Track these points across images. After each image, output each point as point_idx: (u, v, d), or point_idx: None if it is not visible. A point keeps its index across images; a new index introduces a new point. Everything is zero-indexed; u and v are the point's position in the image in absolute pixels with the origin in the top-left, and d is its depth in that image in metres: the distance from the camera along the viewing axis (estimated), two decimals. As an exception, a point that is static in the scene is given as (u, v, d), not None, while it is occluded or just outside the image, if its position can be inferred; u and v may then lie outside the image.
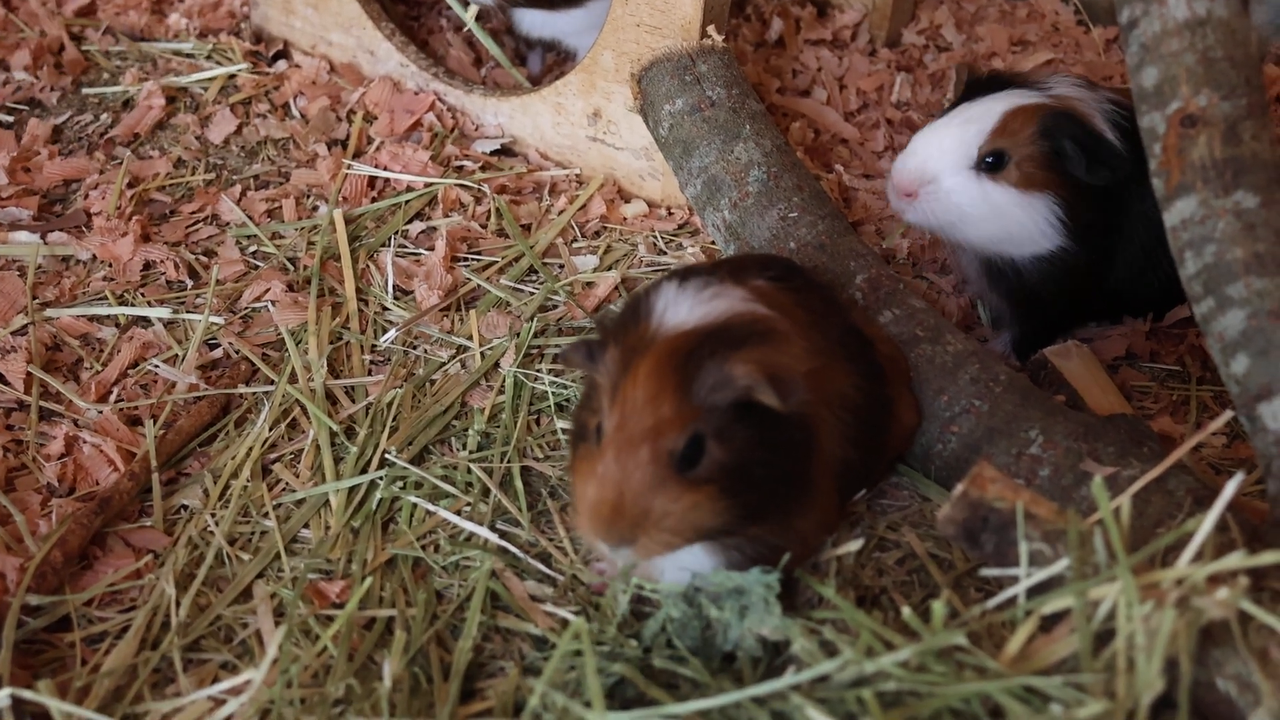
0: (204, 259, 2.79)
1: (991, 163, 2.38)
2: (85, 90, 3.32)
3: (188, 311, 2.63)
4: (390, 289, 2.70)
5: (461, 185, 2.98)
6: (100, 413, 2.36)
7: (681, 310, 1.84)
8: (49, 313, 2.59)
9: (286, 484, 2.26)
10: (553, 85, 3.03)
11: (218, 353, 2.53)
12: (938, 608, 1.65)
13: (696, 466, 1.71)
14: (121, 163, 3.04)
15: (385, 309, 2.66)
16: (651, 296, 1.90)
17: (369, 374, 2.50)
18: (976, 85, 2.55)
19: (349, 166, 3.01)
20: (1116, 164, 2.36)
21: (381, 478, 2.24)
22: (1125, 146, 2.36)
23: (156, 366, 2.48)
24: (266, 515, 2.19)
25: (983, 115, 2.41)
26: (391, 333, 2.57)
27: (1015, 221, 2.41)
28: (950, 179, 2.41)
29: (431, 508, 2.19)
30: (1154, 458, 2.00)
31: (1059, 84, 2.48)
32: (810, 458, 1.87)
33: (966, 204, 2.41)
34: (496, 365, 2.49)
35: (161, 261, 2.74)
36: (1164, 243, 2.22)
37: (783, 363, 1.75)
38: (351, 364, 2.51)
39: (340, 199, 2.94)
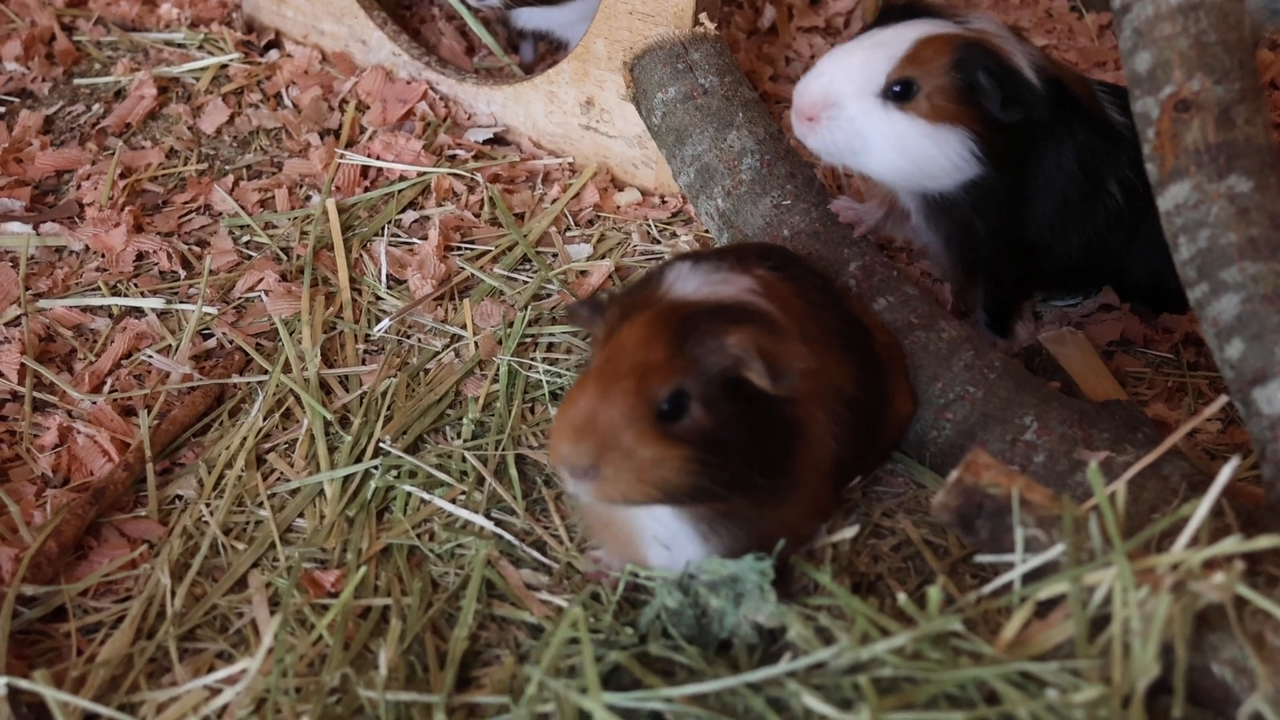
0: (197, 249, 2.79)
1: (899, 91, 2.26)
2: (77, 81, 3.31)
3: (181, 302, 2.62)
4: (384, 278, 2.70)
5: (454, 174, 2.98)
6: (94, 403, 2.36)
7: (690, 285, 1.87)
8: (42, 304, 2.59)
9: (281, 473, 2.26)
10: (545, 74, 3.02)
11: (211, 343, 2.53)
12: (933, 594, 1.65)
13: (676, 423, 1.70)
14: (114, 153, 3.03)
15: (379, 298, 2.66)
16: (665, 270, 1.94)
17: (363, 363, 2.49)
18: (892, 11, 2.43)
19: (342, 156, 3.01)
20: (1032, 101, 2.26)
21: (376, 467, 2.24)
22: (1045, 91, 2.28)
23: (150, 357, 2.48)
24: (261, 505, 2.19)
25: (894, 40, 2.29)
26: (385, 322, 2.57)
27: (924, 154, 2.30)
28: (854, 104, 2.28)
29: (426, 496, 2.19)
30: (1149, 443, 2.00)
31: (979, 19, 2.38)
32: (793, 454, 1.86)
33: (870, 132, 2.29)
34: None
35: (154, 252, 2.74)
36: (1081, 205, 2.26)
37: (779, 350, 1.75)
38: (345, 353, 2.51)
39: (333, 189, 2.93)
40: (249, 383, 2.45)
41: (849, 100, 2.28)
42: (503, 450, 2.28)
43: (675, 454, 1.68)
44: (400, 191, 2.94)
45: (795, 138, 2.40)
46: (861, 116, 2.28)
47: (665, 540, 1.85)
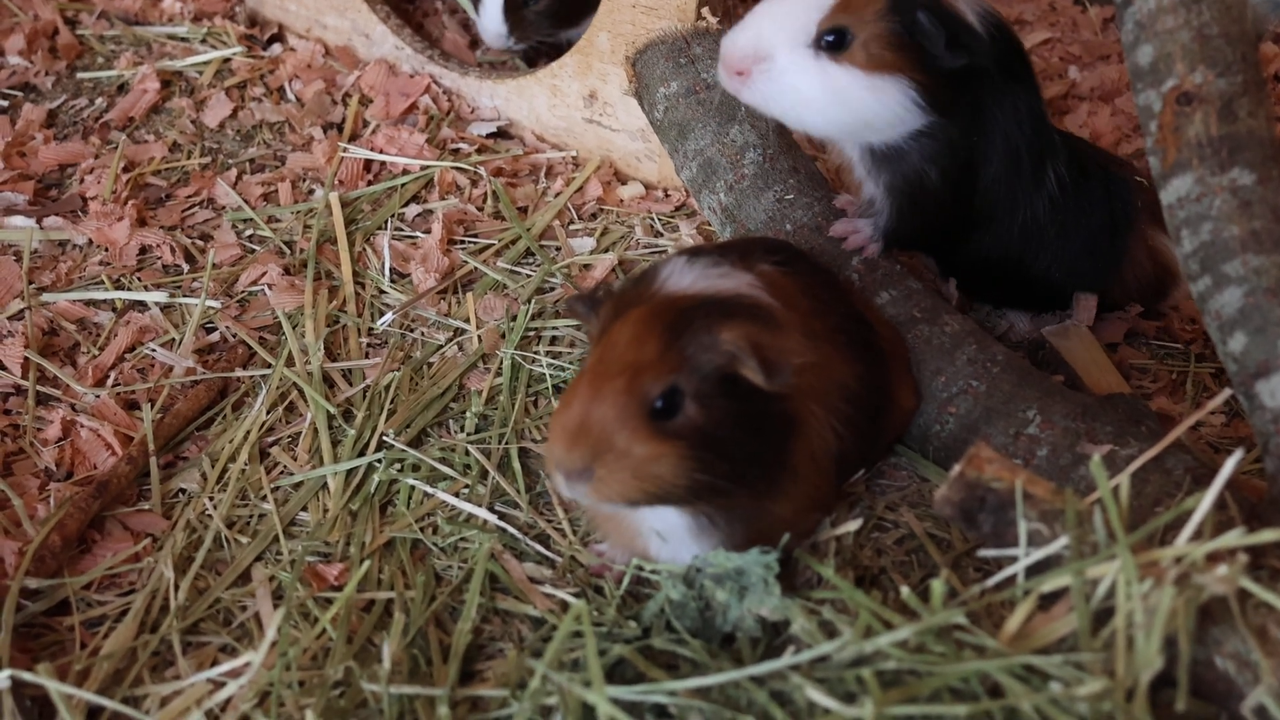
0: (200, 243, 2.79)
1: (832, 41, 2.15)
2: (80, 75, 3.31)
3: (184, 295, 2.62)
4: (387, 272, 2.70)
5: (458, 168, 2.98)
6: (98, 397, 2.36)
7: (685, 280, 1.86)
8: (45, 297, 2.59)
9: (284, 467, 2.26)
10: (549, 67, 3.02)
11: (215, 336, 2.53)
12: (937, 587, 1.65)
13: (670, 420, 1.70)
14: (117, 147, 3.03)
15: (382, 292, 2.66)
16: (660, 267, 1.93)
17: (366, 357, 2.50)
18: None
19: (345, 150, 3.01)
20: (975, 46, 2.16)
21: (379, 460, 2.24)
22: (989, 37, 2.19)
23: (153, 350, 2.48)
24: (264, 498, 2.19)
25: None
26: (388, 316, 2.57)
27: (863, 106, 2.19)
28: (785, 57, 2.17)
29: (430, 490, 2.19)
30: (1152, 437, 2.00)
31: None
32: (790, 449, 1.86)
33: (804, 86, 2.18)
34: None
35: (158, 245, 2.74)
36: (1031, 170, 2.24)
37: (775, 345, 1.75)
38: (349, 347, 2.51)
39: (336, 182, 2.93)
40: (252, 376, 2.45)
41: (779, 52, 2.18)
42: (506, 444, 2.28)
43: (670, 451, 1.69)
44: (403, 185, 2.94)
45: (727, 90, 2.29)
46: (793, 69, 2.18)
47: (663, 533, 1.86)
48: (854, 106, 2.19)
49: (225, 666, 1.85)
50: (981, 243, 2.43)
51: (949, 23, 2.15)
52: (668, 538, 1.86)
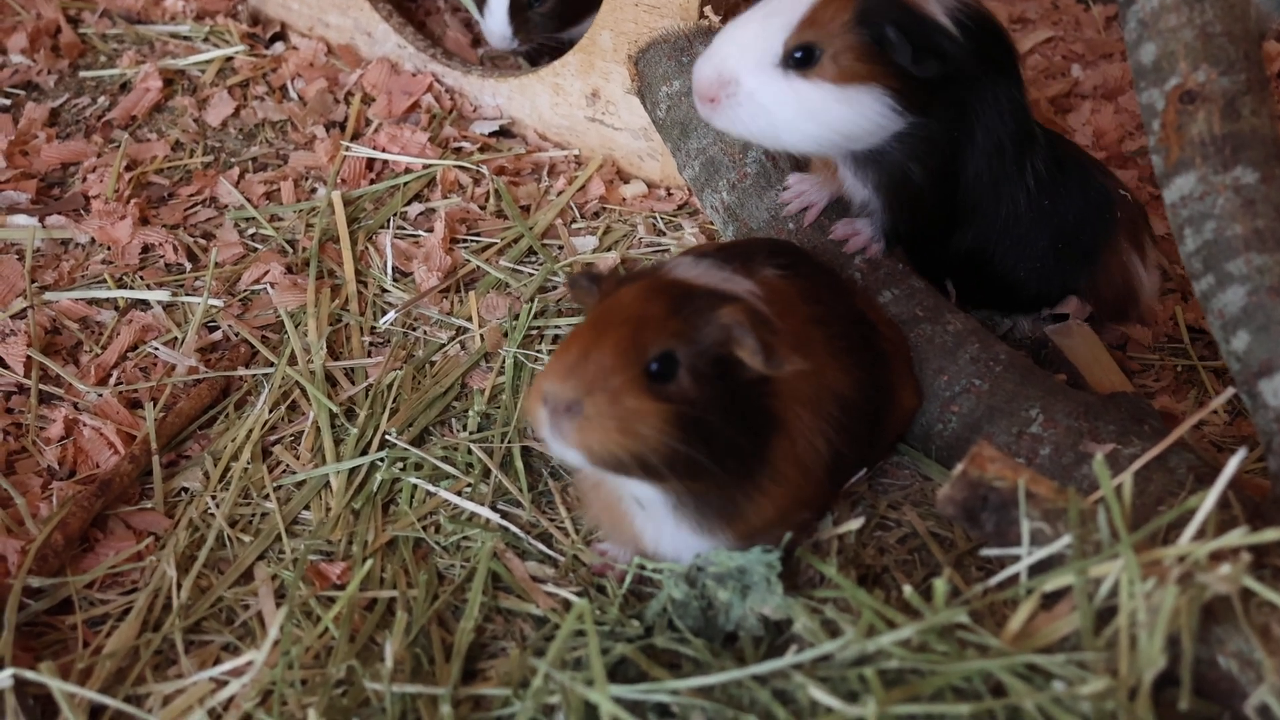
0: (203, 242, 2.79)
1: (800, 58, 2.12)
2: (82, 73, 3.31)
3: (187, 294, 2.63)
4: (389, 271, 2.70)
5: (460, 166, 2.98)
6: (100, 396, 2.36)
7: (691, 273, 1.87)
8: (48, 296, 2.59)
9: (287, 466, 2.26)
10: (551, 66, 3.02)
11: (217, 335, 2.53)
12: (939, 586, 1.65)
13: (662, 384, 1.70)
14: (119, 146, 3.03)
15: (384, 291, 2.66)
16: (667, 263, 1.95)
17: (368, 356, 2.49)
18: None
19: (347, 148, 3.01)
20: (949, 52, 2.13)
21: (382, 459, 2.24)
22: (966, 41, 2.16)
23: (156, 349, 2.48)
24: (267, 497, 2.19)
25: (790, 6, 2.16)
26: (391, 314, 2.57)
27: (839, 119, 2.16)
28: (751, 79, 2.15)
29: (432, 489, 2.19)
30: (1155, 436, 2.00)
31: None
32: (768, 446, 1.85)
33: (774, 106, 2.15)
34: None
35: (160, 244, 2.74)
36: (1015, 160, 2.23)
37: (771, 341, 1.75)
38: (351, 346, 2.51)
39: (339, 181, 2.93)
40: (255, 375, 2.45)
41: (745, 75, 2.15)
42: (508, 442, 2.28)
43: (656, 410, 1.68)
44: (406, 184, 2.94)
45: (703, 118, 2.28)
46: (761, 90, 2.15)
47: (641, 500, 1.86)
48: (827, 120, 2.17)
49: (228, 665, 1.85)
50: (966, 239, 2.41)
51: (919, 30, 2.12)
52: (645, 505, 1.86)
